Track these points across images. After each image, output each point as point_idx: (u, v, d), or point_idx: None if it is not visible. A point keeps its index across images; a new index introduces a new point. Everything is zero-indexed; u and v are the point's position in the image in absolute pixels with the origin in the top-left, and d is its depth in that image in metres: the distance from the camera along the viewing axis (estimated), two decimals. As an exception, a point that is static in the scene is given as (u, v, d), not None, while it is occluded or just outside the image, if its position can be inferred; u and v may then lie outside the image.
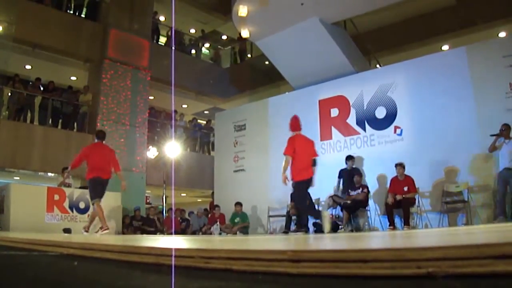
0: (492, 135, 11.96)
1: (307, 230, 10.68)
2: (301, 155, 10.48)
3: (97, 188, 11.39)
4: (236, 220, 16.57)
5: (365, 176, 14.76)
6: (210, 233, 16.48)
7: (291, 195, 15.04)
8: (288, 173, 10.48)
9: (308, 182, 10.58)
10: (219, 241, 4.36)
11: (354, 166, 14.55)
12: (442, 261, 1.38)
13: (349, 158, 14.53)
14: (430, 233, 5.43)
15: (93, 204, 11.59)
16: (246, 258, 1.81)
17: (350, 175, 14.19)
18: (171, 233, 16.47)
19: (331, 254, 1.58)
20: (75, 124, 19.20)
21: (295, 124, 11.00)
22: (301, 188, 10.58)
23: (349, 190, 14.16)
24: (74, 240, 4.43)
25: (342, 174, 14.62)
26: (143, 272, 2.20)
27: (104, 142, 12.03)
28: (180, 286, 1.85)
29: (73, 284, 1.93)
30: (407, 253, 1.46)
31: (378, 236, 5.47)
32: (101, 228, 11.39)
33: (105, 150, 11.84)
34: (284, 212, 15.41)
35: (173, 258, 2.08)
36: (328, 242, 3.78)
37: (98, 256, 3.03)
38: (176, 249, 2.13)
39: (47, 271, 2.53)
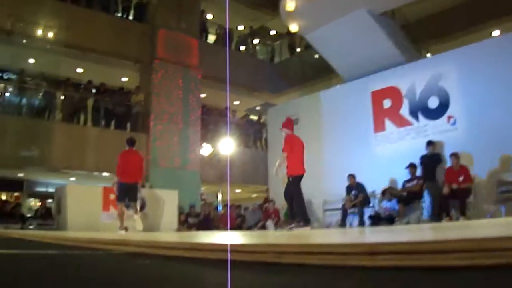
0: None
1: (308, 221, 10.89)
2: (297, 153, 10.85)
3: (121, 193, 12.36)
4: (290, 215, 16.50)
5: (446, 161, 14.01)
6: (265, 229, 16.47)
7: (347, 188, 15.04)
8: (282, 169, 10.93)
9: (301, 177, 10.83)
10: (286, 236, 4.34)
11: (435, 152, 14.09)
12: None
13: (430, 143, 14.03)
14: (494, 223, 5.34)
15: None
16: (320, 253, 1.81)
17: (432, 161, 13.88)
18: (226, 229, 16.53)
19: (409, 246, 1.57)
20: (128, 124, 19.44)
21: (290, 125, 11.43)
22: (297, 182, 10.75)
23: (404, 182, 14.03)
24: (140, 238, 4.48)
25: (423, 160, 14.03)
26: (215, 268, 2.20)
27: (134, 148, 12.90)
28: (253, 282, 1.86)
29: (150, 282, 1.95)
30: (487, 243, 1.44)
31: (445, 228, 5.39)
32: (120, 227, 12.22)
33: (134, 157, 12.70)
34: (340, 206, 15.35)
35: (242, 254, 2.09)
36: (401, 234, 3.74)
37: (165, 253, 3.05)
38: (248, 245, 2.14)
39: (119, 270, 2.57)
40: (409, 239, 1.64)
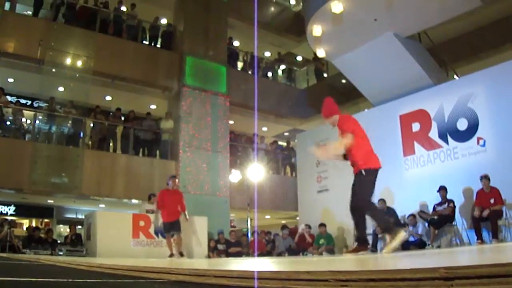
0: None
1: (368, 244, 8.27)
2: (365, 138, 7.67)
3: (165, 229, 13.38)
4: (320, 242, 16.43)
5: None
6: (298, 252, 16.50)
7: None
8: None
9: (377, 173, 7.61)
10: (341, 262, 4.25)
11: None
12: None
13: None
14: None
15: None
16: (390, 279, 1.77)
17: None
18: (257, 255, 16.49)
19: (490, 269, 1.52)
20: (157, 151, 19.57)
21: (332, 106, 7.97)
22: (371, 179, 7.61)
23: (435, 205, 13.91)
24: (184, 266, 4.44)
25: None
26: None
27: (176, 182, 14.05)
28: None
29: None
30: None
31: (500, 249, 5.27)
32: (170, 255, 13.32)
33: (175, 195, 13.59)
34: (371, 231, 15.28)
35: (301, 283, 2.05)
36: (474, 256, 3.65)
37: (213, 282, 3.02)
38: (307, 272, 2.10)
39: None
40: (484, 262, 1.59)
